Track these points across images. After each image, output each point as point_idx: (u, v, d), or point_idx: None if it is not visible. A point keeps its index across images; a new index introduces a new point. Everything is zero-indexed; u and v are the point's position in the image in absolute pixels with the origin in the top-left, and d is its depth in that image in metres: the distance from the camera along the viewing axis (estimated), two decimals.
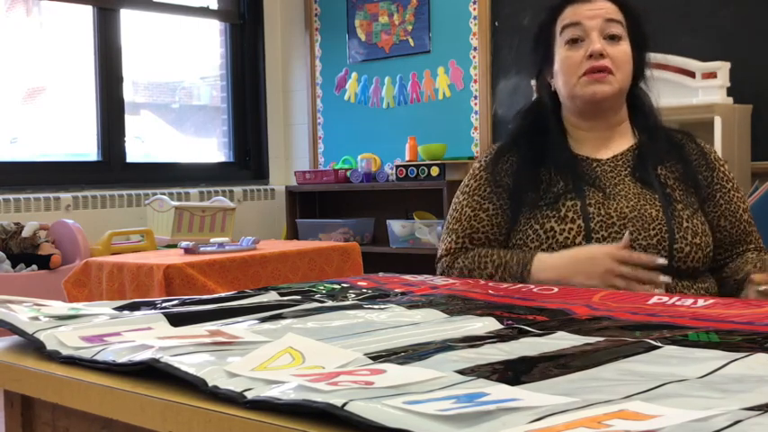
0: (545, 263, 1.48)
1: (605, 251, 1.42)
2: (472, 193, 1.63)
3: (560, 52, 1.58)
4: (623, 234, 1.47)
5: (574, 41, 1.56)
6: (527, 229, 1.55)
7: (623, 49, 1.55)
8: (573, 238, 1.50)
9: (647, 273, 1.41)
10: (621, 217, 1.50)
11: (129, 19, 4.61)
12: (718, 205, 1.59)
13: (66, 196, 4.15)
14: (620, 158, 1.59)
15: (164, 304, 1.17)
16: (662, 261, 1.42)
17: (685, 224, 1.50)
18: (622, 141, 1.62)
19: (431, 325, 1.00)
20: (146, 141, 4.92)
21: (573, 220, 1.51)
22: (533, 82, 1.70)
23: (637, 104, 1.64)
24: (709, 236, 1.54)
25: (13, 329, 0.98)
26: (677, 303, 1.15)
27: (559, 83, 1.60)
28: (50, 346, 0.92)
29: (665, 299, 1.18)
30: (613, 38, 1.55)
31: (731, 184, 1.62)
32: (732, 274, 1.57)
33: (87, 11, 4.45)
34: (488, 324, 0.99)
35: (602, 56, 1.53)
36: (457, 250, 1.61)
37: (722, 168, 1.62)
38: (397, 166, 4.46)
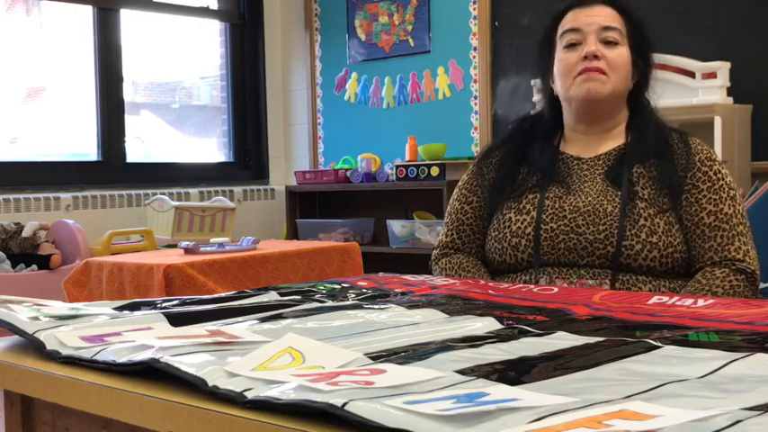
0: None
1: None
2: (463, 186, 1.73)
3: (558, 55, 1.63)
4: (572, 227, 1.52)
5: (571, 45, 1.60)
6: (494, 219, 1.64)
7: (620, 52, 1.59)
8: (524, 228, 1.56)
9: None
10: (574, 210, 1.54)
11: (129, 19, 4.60)
12: (681, 207, 1.53)
13: (66, 196, 4.15)
14: (603, 157, 1.62)
15: (164, 304, 1.17)
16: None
17: (642, 222, 1.49)
18: (613, 142, 1.64)
19: (431, 325, 1.00)
20: (146, 141, 4.91)
21: (528, 211, 1.58)
22: (533, 82, 1.73)
23: (639, 108, 1.65)
24: (676, 237, 1.50)
25: (13, 329, 0.98)
26: (677, 303, 1.15)
27: (558, 85, 1.64)
28: (50, 346, 0.92)
29: (665, 299, 1.19)
30: (610, 43, 1.59)
31: (708, 185, 1.53)
32: None
33: (87, 11, 4.45)
34: (488, 324, 0.99)
35: (596, 57, 1.57)
36: (447, 243, 1.71)
37: (704, 169, 1.54)
38: (397, 166, 4.46)
